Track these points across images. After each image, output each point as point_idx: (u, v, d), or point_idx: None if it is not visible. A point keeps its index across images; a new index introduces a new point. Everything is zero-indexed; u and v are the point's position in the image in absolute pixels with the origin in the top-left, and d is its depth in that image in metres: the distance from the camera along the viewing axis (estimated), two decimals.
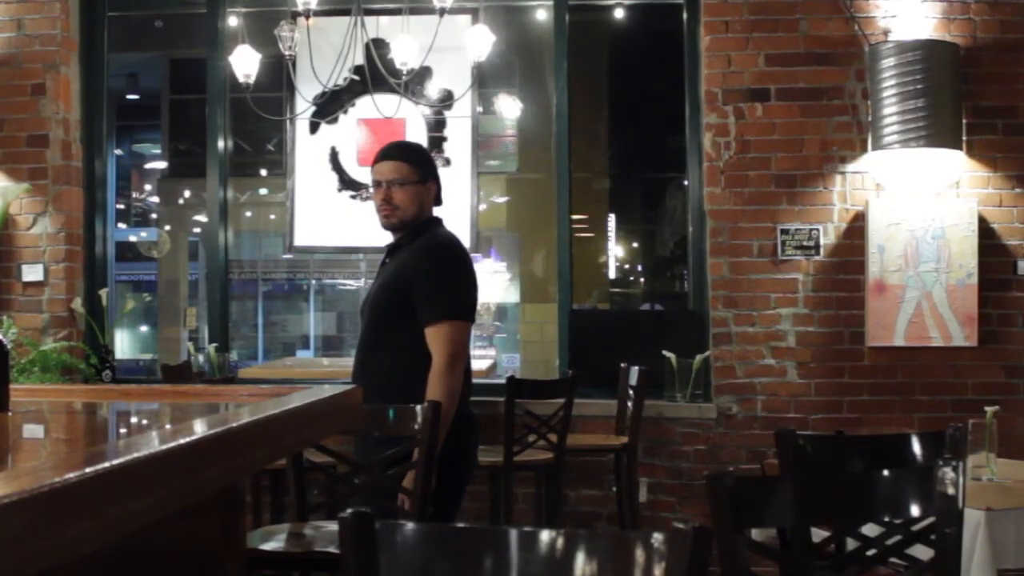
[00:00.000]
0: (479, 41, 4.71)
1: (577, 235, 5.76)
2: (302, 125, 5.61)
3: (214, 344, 5.61)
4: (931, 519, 1.90)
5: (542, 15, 5.92)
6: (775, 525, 1.92)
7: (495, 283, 11.81)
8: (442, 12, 4.49)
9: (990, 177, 5.06)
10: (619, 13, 5.97)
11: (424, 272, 3.24)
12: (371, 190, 3.38)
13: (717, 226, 5.17)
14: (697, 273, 5.39)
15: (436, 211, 3.48)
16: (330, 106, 5.46)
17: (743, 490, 1.87)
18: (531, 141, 10.35)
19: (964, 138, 4.99)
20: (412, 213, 3.34)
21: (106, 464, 1.16)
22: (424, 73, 5.34)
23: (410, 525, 1.39)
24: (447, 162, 5.56)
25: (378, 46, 5.08)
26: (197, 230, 14.67)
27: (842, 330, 5.09)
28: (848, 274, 5.10)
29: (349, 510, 1.37)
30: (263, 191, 14.17)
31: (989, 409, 3.22)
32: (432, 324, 3.20)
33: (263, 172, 13.52)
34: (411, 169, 3.33)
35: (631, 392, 4.97)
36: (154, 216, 16.67)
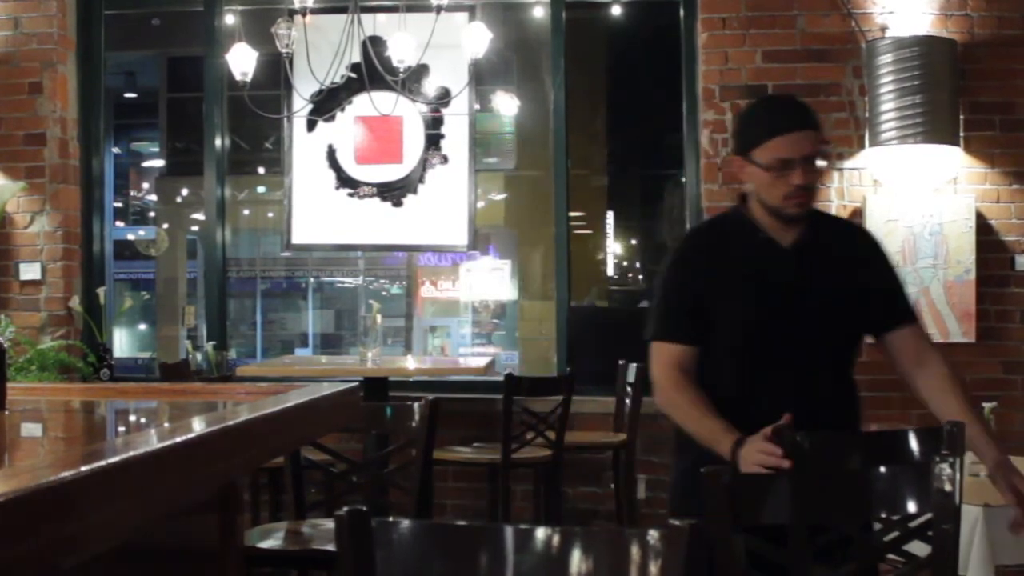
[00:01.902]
0: (476, 38, 4.71)
1: (575, 232, 5.76)
2: (299, 123, 5.61)
3: (212, 342, 5.61)
4: (928, 515, 1.90)
5: (539, 12, 5.91)
6: (772, 522, 1.92)
7: (493, 281, 11.80)
8: (439, 9, 4.49)
9: (987, 173, 5.06)
10: (616, 10, 5.97)
11: (883, 263, 2.59)
12: (770, 172, 2.43)
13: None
14: None
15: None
16: (327, 104, 5.45)
17: (740, 487, 1.88)
18: (529, 138, 10.36)
19: (961, 134, 4.99)
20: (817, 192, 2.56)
21: (104, 462, 1.16)
22: (421, 71, 5.34)
23: (406, 522, 1.39)
24: (444, 159, 5.56)
25: (375, 44, 5.08)
26: (195, 228, 14.64)
27: None
28: None
29: (345, 507, 1.37)
30: (261, 189, 14.16)
31: (987, 405, 3.23)
32: (916, 319, 2.61)
33: (261, 170, 13.50)
34: (819, 136, 2.50)
35: (629, 389, 4.97)
36: (152, 214, 16.65)
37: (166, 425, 1.95)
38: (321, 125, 5.60)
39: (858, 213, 5.07)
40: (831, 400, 2.48)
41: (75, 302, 5.46)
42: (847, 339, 2.56)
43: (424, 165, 5.56)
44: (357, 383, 2.48)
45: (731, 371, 2.50)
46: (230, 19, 5.64)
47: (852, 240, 2.62)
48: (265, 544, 2.96)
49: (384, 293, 15.06)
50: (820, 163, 2.46)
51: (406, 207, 5.56)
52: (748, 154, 2.47)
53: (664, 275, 2.62)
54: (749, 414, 2.33)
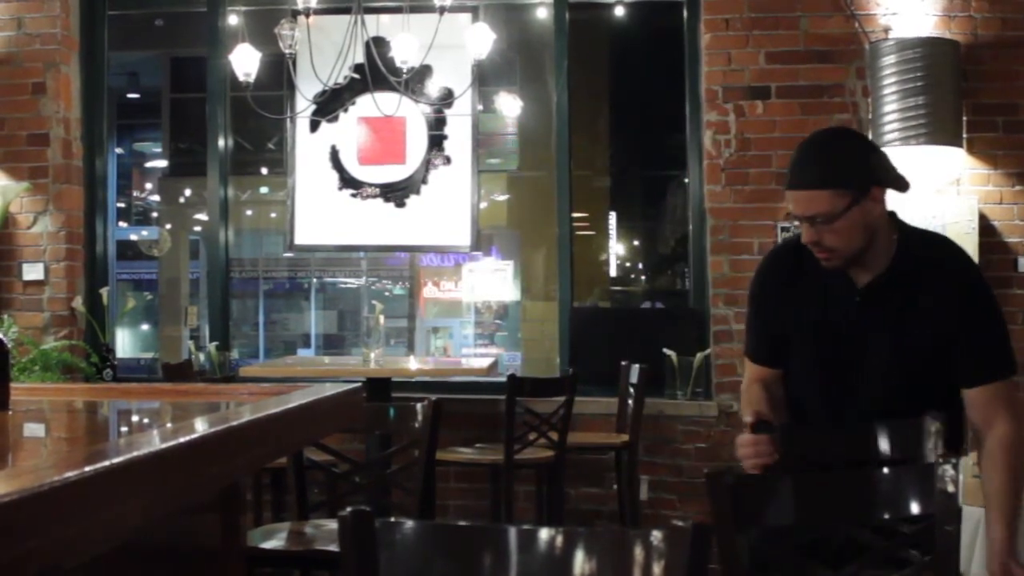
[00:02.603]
0: (479, 39, 4.71)
1: (578, 233, 5.76)
2: (302, 123, 5.61)
3: (215, 343, 5.62)
4: (931, 516, 1.90)
5: (542, 13, 5.91)
6: (775, 523, 1.92)
7: (496, 281, 11.80)
8: (442, 10, 4.49)
9: (990, 174, 5.05)
10: (619, 11, 5.97)
11: (968, 311, 2.40)
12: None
13: (718, 224, 5.17)
14: (698, 271, 5.39)
15: None
16: (330, 104, 5.46)
17: (743, 488, 1.88)
18: (532, 139, 10.35)
19: (964, 135, 4.99)
20: (856, 246, 2.35)
21: (107, 463, 1.16)
22: (424, 71, 5.34)
23: (410, 523, 1.39)
24: (447, 160, 5.56)
25: (378, 44, 5.08)
26: (198, 229, 14.66)
27: None
28: None
29: (348, 508, 1.37)
30: (264, 190, 14.17)
31: None
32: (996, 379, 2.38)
33: (264, 171, 13.51)
34: (835, 195, 2.30)
35: (632, 390, 4.97)
36: (155, 215, 16.66)
37: (169, 426, 1.95)
38: (324, 126, 5.60)
39: None
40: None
41: (78, 302, 5.46)
42: (924, 388, 2.36)
43: (427, 166, 5.56)
44: (360, 384, 2.48)
45: (809, 397, 2.49)
46: (233, 20, 5.65)
47: (940, 281, 2.37)
48: (268, 544, 2.96)
49: (387, 294, 15.07)
50: (839, 223, 2.28)
51: (409, 208, 5.56)
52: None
53: (750, 291, 2.60)
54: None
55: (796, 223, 2.40)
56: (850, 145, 2.42)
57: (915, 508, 1.89)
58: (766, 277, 2.57)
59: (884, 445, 2.29)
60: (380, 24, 5.27)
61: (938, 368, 2.36)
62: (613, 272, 14.16)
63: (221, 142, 5.75)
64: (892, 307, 2.36)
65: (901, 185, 2.41)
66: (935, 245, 2.50)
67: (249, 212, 14.39)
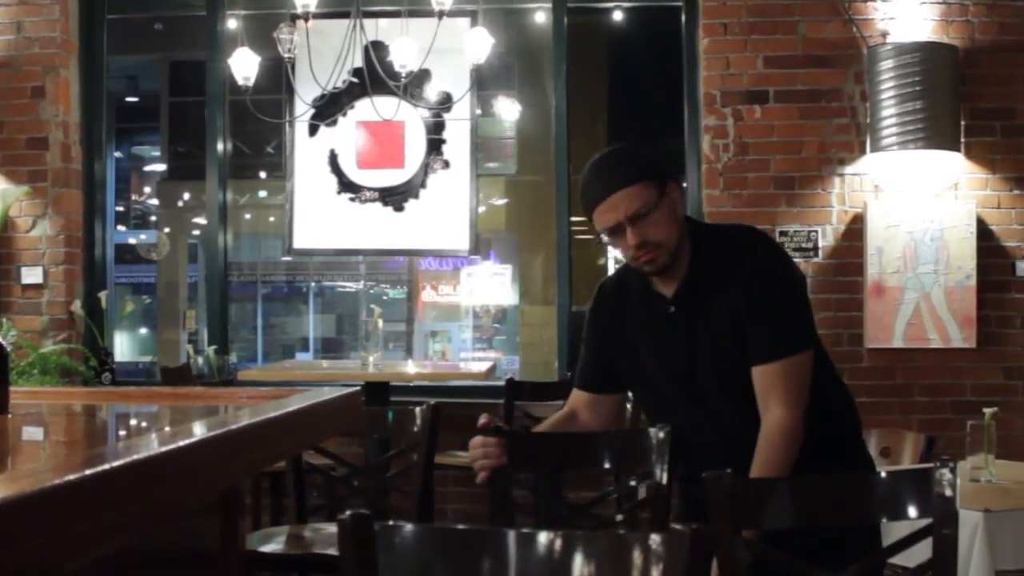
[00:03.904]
0: (478, 43, 4.71)
1: (576, 237, 5.75)
2: (301, 127, 5.62)
3: (213, 346, 5.61)
4: (928, 520, 1.90)
5: (541, 17, 5.92)
6: (773, 526, 1.93)
7: (494, 285, 11.80)
8: (441, 15, 4.49)
9: (988, 179, 5.06)
10: (618, 15, 5.99)
11: (753, 294, 2.34)
12: (604, 240, 2.36)
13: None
14: None
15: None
16: (329, 108, 5.46)
17: (742, 491, 1.88)
18: (530, 143, 10.36)
19: (962, 140, 4.99)
20: (676, 236, 2.34)
21: (106, 466, 1.16)
22: (423, 75, 5.34)
23: (409, 526, 1.40)
24: (446, 164, 5.56)
25: (377, 48, 5.08)
26: (196, 232, 14.66)
27: (841, 332, 5.09)
28: (847, 276, 5.10)
29: (348, 512, 1.37)
30: (262, 193, 14.17)
31: (988, 411, 3.22)
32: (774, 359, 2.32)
33: (262, 174, 13.51)
34: (644, 188, 2.30)
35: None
36: (153, 218, 16.66)
37: (167, 429, 1.95)
38: (323, 130, 5.60)
39: (859, 219, 5.07)
40: (752, 442, 2.27)
41: (77, 306, 5.46)
42: (735, 373, 2.33)
43: (426, 170, 5.56)
44: (358, 388, 2.48)
45: (645, 412, 2.59)
46: (232, 23, 5.65)
47: (730, 272, 2.34)
48: (267, 548, 2.96)
49: (385, 297, 15.06)
50: (656, 214, 2.27)
51: (407, 212, 5.56)
52: (590, 219, 2.38)
53: (584, 322, 2.59)
54: (681, 457, 2.36)
55: (605, 240, 2.35)
56: (632, 149, 2.43)
57: (913, 512, 1.90)
58: (593, 307, 2.57)
59: (606, 453, 2.48)
60: (379, 28, 5.27)
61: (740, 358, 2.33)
62: None
63: (220, 146, 5.75)
64: (702, 310, 2.34)
65: (678, 174, 2.42)
66: (725, 234, 2.47)
67: (248, 216, 14.40)
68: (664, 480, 2.35)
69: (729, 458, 2.11)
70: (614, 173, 2.31)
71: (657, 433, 2.36)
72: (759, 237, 2.45)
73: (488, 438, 2.34)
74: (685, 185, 5.60)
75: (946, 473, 1.87)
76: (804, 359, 2.30)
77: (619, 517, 2.58)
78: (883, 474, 1.93)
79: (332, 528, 3.06)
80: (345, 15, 4.84)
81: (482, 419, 2.38)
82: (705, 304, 2.35)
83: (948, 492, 1.86)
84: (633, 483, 2.75)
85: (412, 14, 4.93)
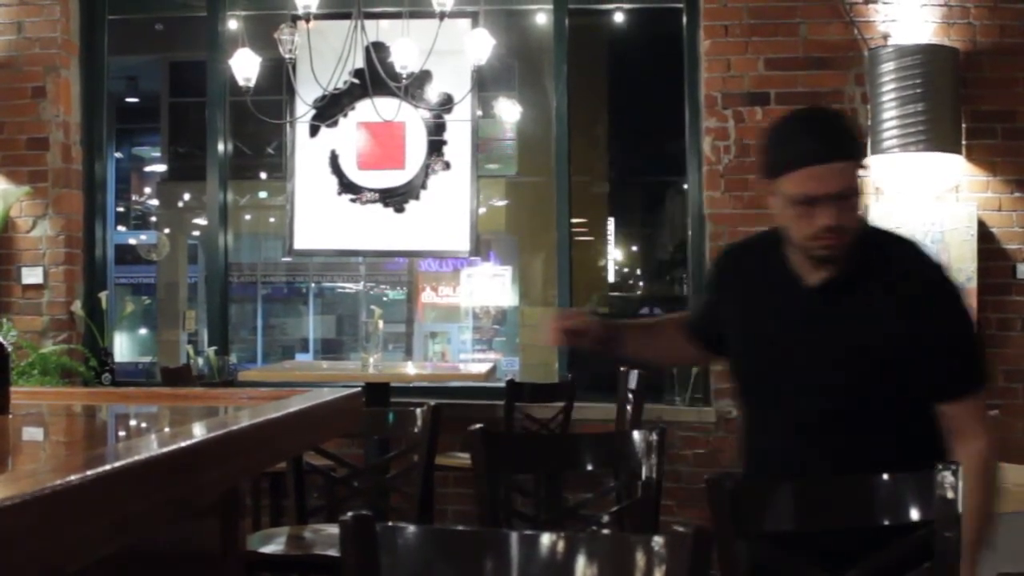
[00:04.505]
0: (479, 45, 4.71)
1: (576, 239, 5.76)
2: (302, 128, 5.61)
3: (213, 347, 5.61)
4: (930, 523, 1.90)
5: (542, 19, 5.92)
6: (775, 528, 1.92)
7: (494, 287, 11.81)
8: (442, 16, 4.49)
9: (989, 181, 5.06)
10: (619, 17, 5.98)
11: (938, 319, 2.16)
12: (795, 207, 2.09)
13: (717, 230, 5.17)
14: (696, 277, 5.39)
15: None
16: (330, 109, 5.46)
17: (743, 493, 1.88)
18: (531, 144, 10.37)
19: (963, 142, 4.99)
20: (859, 228, 2.16)
21: (106, 467, 1.16)
22: (424, 77, 5.34)
23: (411, 528, 1.39)
24: (447, 165, 5.56)
25: (378, 49, 5.08)
26: (196, 233, 14.68)
27: None
28: None
29: (350, 513, 1.37)
30: (263, 194, 14.19)
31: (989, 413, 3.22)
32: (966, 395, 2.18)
33: (263, 175, 13.53)
34: (857, 168, 2.11)
35: (630, 396, 4.96)
36: (154, 219, 16.68)
37: (167, 430, 1.95)
38: (323, 130, 5.60)
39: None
40: (849, 458, 2.13)
41: (77, 306, 5.46)
42: (886, 400, 2.14)
43: (426, 171, 5.56)
44: (358, 388, 2.48)
45: (745, 407, 2.36)
46: (233, 24, 5.65)
47: (905, 283, 2.14)
48: (267, 549, 2.96)
49: (385, 299, 15.08)
50: (855, 199, 2.08)
51: (408, 213, 5.56)
52: (773, 180, 2.14)
53: (706, 278, 2.56)
54: (753, 451, 2.28)
55: (793, 207, 2.09)
56: (846, 120, 2.23)
57: (915, 514, 1.89)
58: (716, 274, 2.47)
59: (598, 454, 2.54)
60: (380, 29, 5.27)
61: (894, 377, 2.14)
62: (612, 278, 14.19)
63: (220, 146, 5.75)
64: (846, 308, 2.15)
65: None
66: (898, 243, 2.26)
67: (248, 217, 14.41)
68: (654, 479, 2.35)
69: (818, 455, 2.10)
70: (841, 139, 2.09)
71: (647, 435, 2.36)
72: (932, 256, 2.24)
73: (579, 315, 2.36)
74: (686, 186, 5.60)
75: (948, 476, 1.86)
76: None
77: (605, 518, 2.54)
78: (885, 476, 1.92)
79: (332, 529, 3.06)
80: (346, 16, 4.84)
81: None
82: (854, 303, 2.15)
83: (950, 494, 1.86)
84: (612, 484, 2.75)
85: (413, 15, 4.93)
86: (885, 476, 1.92)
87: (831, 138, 2.08)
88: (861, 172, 2.11)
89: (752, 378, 2.30)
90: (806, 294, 2.18)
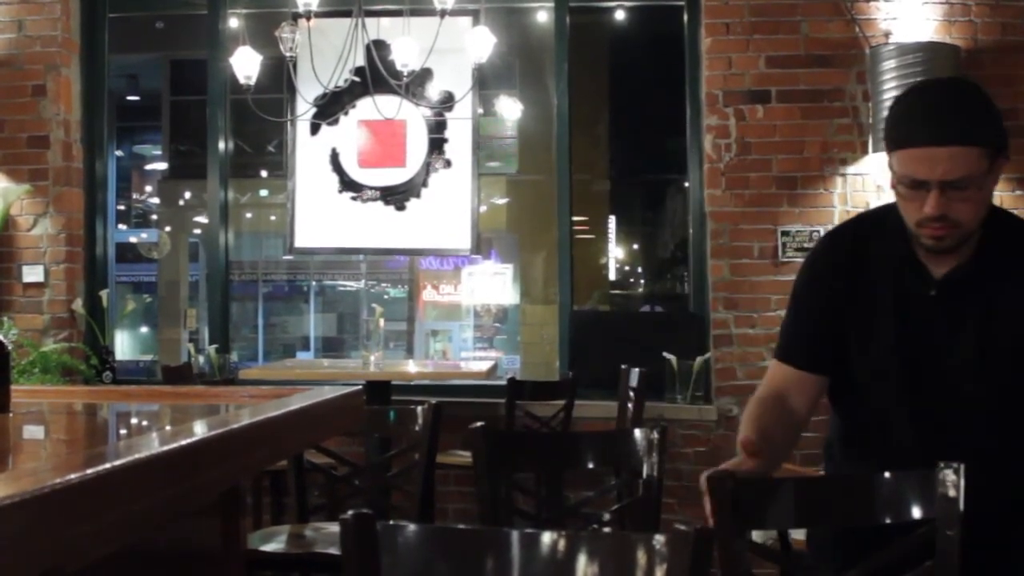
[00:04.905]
0: (480, 43, 4.71)
1: (577, 237, 5.76)
2: (303, 126, 5.61)
3: (214, 345, 5.61)
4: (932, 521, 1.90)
5: (543, 17, 5.92)
6: (776, 527, 1.92)
7: (495, 285, 11.80)
8: (443, 14, 4.49)
9: None
10: (620, 15, 5.98)
11: None
12: (902, 186, 1.91)
13: (718, 228, 5.17)
14: (698, 275, 5.39)
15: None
16: (331, 107, 5.46)
17: (744, 491, 1.87)
18: (531, 142, 10.36)
19: None
20: (980, 221, 1.98)
21: (107, 466, 1.16)
22: (425, 75, 5.34)
23: (411, 526, 1.39)
24: (448, 163, 5.56)
25: (379, 48, 5.08)
26: (197, 231, 14.68)
27: None
28: None
29: (351, 511, 1.37)
30: (264, 192, 14.18)
31: None
32: None
33: (264, 173, 13.53)
34: (981, 155, 1.89)
35: (631, 394, 4.96)
36: (154, 217, 16.68)
37: (168, 428, 1.95)
38: (324, 129, 5.60)
39: None
40: (989, 464, 1.92)
41: (78, 305, 5.46)
42: (999, 390, 1.97)
43: (427, 169, 5.56)
44: (359, 387, 2.48)
45: (866, 407, 2.10)
46: (234, 22, 5.65)
47: None
48: (267, 547, 2.96)
49: (386, 297, 15.08)
50: (974, 191, 1.87)
51: (409, 211, 5.56)
52: (890, 153, 1.94)
53: (797, 281, 2.14)
54: (882, 457, 2.02)
55: (895, 186, 1.92)
56: (988, 98, 1.93)
57: (916, 512, 1.89)
58: (819, 265, 2.13)
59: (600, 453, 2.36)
60: (380, 27, 5.27)
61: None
62: (613, 276, 14.18)
63: (221, 145, 5.75)
64: (975, 304, 1.95)
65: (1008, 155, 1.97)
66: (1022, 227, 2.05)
67: (249, 215, 14.42)
68: (655, 477, 2.35)
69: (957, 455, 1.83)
70: (957, 118, 1.87)
71: (648, 433, 2.36)
72: None
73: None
74: (687, 184, 5.60)
75: (950, 474, 1.86)
76: None
77: (606, 516, 2.54)
78: (887, 475, 1.92)
79: (333, 527, 3.06)
80: (347, 14, 4.84)
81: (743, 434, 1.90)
82: (983, 299, 1.95)
83: (952, 493, 1.85)
84: (613, 482, 2.74)
85: (414, 13, 4.93)
86: (887, 474, 1.91)
87: (953, 119, 1.87)
88: (989, 161, 1.89)
89: (880, 379, 2.04)
90: (927, 284, 1.98)
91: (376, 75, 5.01)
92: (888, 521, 1.91)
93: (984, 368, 1.95)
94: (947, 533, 1.84)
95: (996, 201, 5.14)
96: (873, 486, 1.92)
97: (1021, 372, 1.95)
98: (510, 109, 7.85)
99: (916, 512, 1.88)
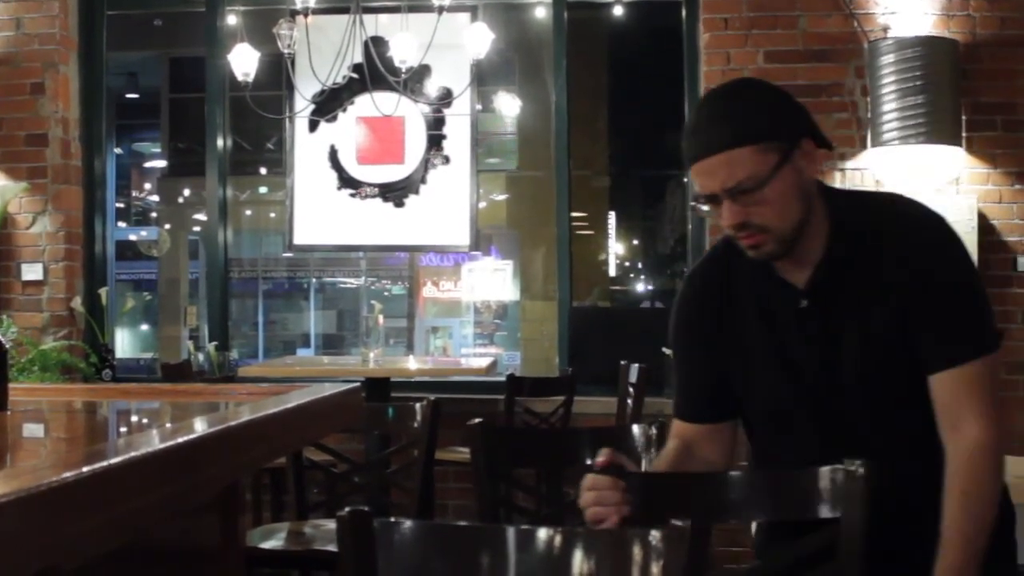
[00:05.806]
0: (478, 39, 4.71)
1: (577, 233, 5.76)
2: (301, 123, 5.61)
3: (214, 343, 5.61)
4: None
5: (541, 12, 5.91)
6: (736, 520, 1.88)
7: (495, 281, 11.81)
8: (441, 10, 4.49)
9: (990, 173, 5.06)
10: (618, 10, 5.97)
11: (931, 286, 1.85)
12: (701, 207, 1.84)
13: (716, 224, 5.16)
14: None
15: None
16: (329, 104, 5.45)
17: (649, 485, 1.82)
18: (530, 139, 10.36)
19: (964, 135, 4.98)
20: (794, 219, 1.81)
21: (106, 463, 1.16)
22: (423, 71, 5.34)
23: (409, 523, 1.39)
24: (446, 160, 5.56)
25: (377, 44, 5.08)
26: (197, 229, 14.68)
27: None
28: None
29: (347, 508, 1.37)
30: (263, 189, 14.19)
31: None
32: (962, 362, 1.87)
33: (263, 170, 13.53)
34: (759, 152, 1.75)
35: (631, 390, 4.97)
36: (154, 215, 16.68)
37: (168, 426, 1.95)
38: (323, 125, 5.60)
39: None
40: (879, 453, 1.74)
41: (77, 303, 5.46)
42: (895, 386, 1.86)
43: (426, 165, 5.56)
44: (359, 384, 2.48)
45: (756, 436, 2.04)
46: (232, 19, 5.64)
47: (886, 254, 1.84)
48: (267, 544, 2.96)
49: (386, 293, 15.09)
50: (768, 190, 1.74)
51: (408, 207, 5.56)
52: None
53: (670, 333, 2.03)
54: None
55: (706, 208, 1.82)
56: (762, 91, 1.83)
57: (825, 511, 1.74)
58: (684, 313, 2.01)
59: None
60: (379, 24, 5.26)
61: (898, 362, 1.84)
62: (612, 272, 14.19)
63: (220, 142, 5.75)
64: (846, 304, 1.84)
65: (828, 142, 1.85)
66: (872, 206, 1.95)
67: (248, 212, 14.42)
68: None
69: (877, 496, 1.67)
70: (724, 127, 1.75)
71: (647, 429, 2.35)
72: (918, 208, 1.95)
73: (603, 479, 1.70)
74: (686, 180, 5.59)
75: (849, 472, 1.70)
76: (996, 360, 1.90)
77: None
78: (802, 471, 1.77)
79: (332, 524, 3.05)
80: (345, 10, 4.84)
81: (601, 457, 1.74)
82: (850, 297, 1.84)
83: (856, 488, 1.76)
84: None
85: (412, 9, 4.93)
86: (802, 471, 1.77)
87: (716, 125, 1.76)
88: (777, 155, 1.75)
89: (763, 406, 1.96)
90: (795, 297, 1.87)
91: (374, 72, 5.01)
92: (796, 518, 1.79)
93: (870, 359, 1.83)
94: (851, 535, 1.70)
95: (995, 195, 5.10)
96: (786, 483, 1.83)
97: (905, 352, 1.82)
98: (509, 105, 7.86)
99: (824, 510, 1.73)
